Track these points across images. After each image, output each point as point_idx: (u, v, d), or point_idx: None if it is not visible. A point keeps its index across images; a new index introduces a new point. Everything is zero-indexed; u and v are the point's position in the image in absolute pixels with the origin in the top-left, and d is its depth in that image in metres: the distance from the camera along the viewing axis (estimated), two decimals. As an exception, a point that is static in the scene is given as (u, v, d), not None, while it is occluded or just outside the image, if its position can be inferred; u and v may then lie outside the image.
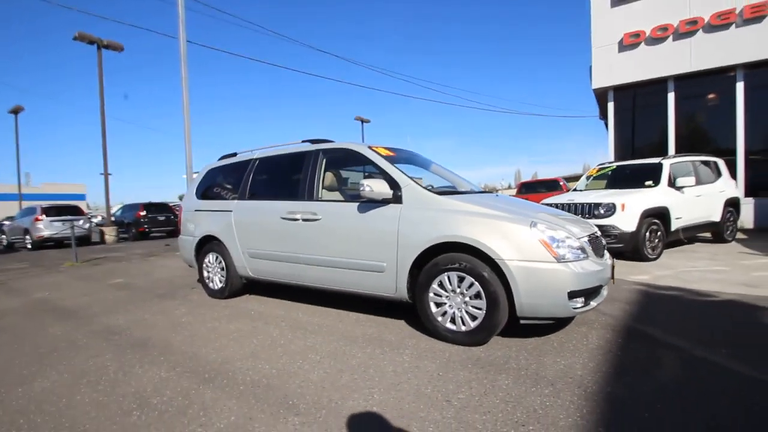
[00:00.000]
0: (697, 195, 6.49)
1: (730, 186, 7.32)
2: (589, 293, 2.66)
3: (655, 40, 9.61)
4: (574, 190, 7.51)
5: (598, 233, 3.12)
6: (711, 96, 9.58)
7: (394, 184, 3.12)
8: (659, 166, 6.49)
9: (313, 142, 3.93)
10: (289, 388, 2.25)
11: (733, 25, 8.66)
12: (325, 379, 2.34)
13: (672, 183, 6.31)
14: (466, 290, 2.74)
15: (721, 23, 8.74)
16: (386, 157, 3.40)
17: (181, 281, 5.65)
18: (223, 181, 4.66)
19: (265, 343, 2.98)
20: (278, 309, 3.91)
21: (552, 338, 2.86)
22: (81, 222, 13.51)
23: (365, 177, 3.21)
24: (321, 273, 3.51)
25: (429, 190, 3.14)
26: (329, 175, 3.69)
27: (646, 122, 10.50)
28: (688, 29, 9.13)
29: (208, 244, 4.53)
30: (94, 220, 22.07)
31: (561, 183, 13.36)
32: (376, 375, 2.37)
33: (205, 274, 4.57)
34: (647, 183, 6.36)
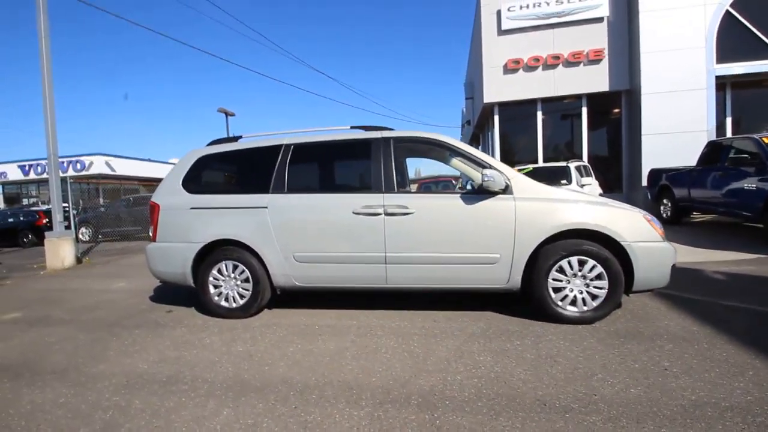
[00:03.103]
0: (587, 191, 8.38)
1: (596, 183, 9.70)
2: (670, 266, 3.25)
3: (530, 68, 11.83)
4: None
5: None
6: (555, 115, 12.41)
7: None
8: (567, 168, 8.14)
9: (366, 128, 3.54)
10: (516, 391, 2.09)
11: (582, 64, 11.42)
12: (536, 377, 2.23)
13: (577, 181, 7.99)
14: (588, 272, 2.99)
15: (574, 60, 11.39)
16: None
17: (134, 305, 4.19)
18: (234, 172, 3.71)
19: (405, 356, 2.60)
20: (335, 320, 3.37)
21: (618, 311, 3.31)
22: None
23: (486, 168, 3.09)
24: (416, 272, 3.22)
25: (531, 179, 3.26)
26: (405, 165, 3.41)
27: (522, 133, 12.83)
28: (553, 62, 11.57)
29: (217, 251, 3.54)
30: None
31: (453, 182, 15.13)
32: (574, 363, 2.38)
33: (212, 290, 3.56)
34: (563, 182, 7.89)
